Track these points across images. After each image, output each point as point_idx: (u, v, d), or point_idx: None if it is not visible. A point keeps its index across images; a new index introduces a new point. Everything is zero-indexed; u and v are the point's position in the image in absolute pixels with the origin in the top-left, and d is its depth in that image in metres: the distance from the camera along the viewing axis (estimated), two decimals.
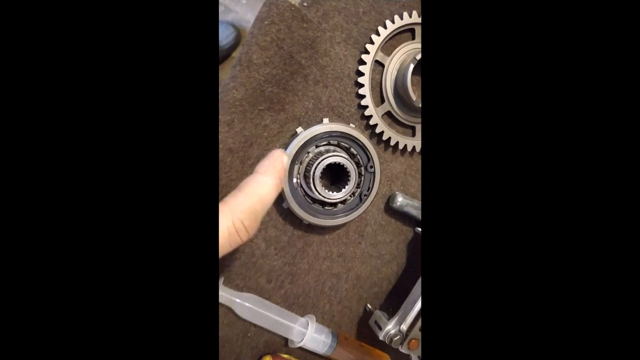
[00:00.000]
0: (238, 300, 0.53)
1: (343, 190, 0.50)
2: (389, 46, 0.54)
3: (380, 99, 0.55)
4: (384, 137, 0.54)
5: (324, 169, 0.49)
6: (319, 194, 0.49)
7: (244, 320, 0.54)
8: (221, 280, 0.53)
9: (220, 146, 0.49)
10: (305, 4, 0.50)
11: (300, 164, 0.50)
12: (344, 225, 0.57)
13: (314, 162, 0.49)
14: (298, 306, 0.58)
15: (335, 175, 0.55)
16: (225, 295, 0.53)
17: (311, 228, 0.55)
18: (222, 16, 1.74)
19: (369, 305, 0.61)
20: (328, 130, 0.50)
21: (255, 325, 0.54)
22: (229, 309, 0.53)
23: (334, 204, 0.53)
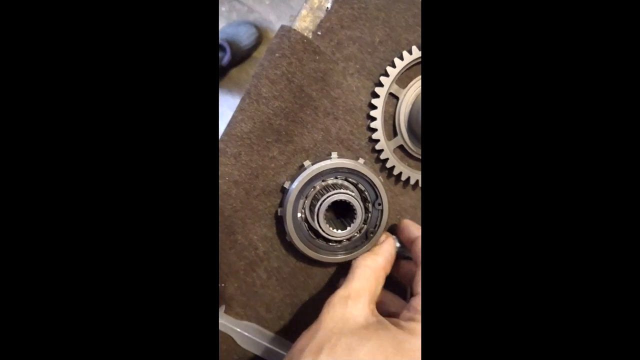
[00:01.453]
0: (238, 329, 0.53)
1: (348, 228, 0.49)
2: (404, 77, 0.52)
3: (392, 132, 0.53)
4: (395, 172, 0.53)
5: (329, 206, 0.47)
6: (323, 231, 0.48)
7: (244, 348, 0.54)
8: (222, 309, 0.53)
9: (226, 178, 0.48)
10: (319, 33, 0.48)
11: (306, 198, 0.49)
12: (349, 261, 0.56)
13: (320, 198, 0.47)
14: (299, 337, 0.57)
15: (341, 209, 0.53)
16: (226, 323, 0.52)
17: (315, 262, 0.54)
18: (245, 16, 1.74)
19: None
20: (336, 166, 0.49)
21: (255, 356, 0.54)
22: (229, 337, 0.53)
23: (339, 241, 0.52)
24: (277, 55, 0.45)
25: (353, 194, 0.48)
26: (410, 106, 0.52)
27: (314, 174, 0.48)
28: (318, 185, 0.49)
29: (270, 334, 0.55)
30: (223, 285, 0.53)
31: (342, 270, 0.57)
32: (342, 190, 0.48)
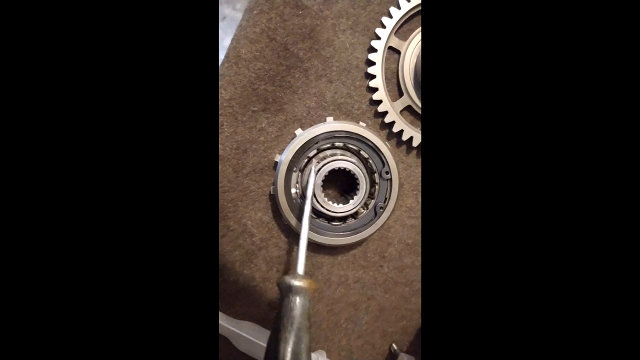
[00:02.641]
0: (236, 330, 0.46)
1: (351, 201, 0.42)
2: (405, 30, 0.45)
3: (397, 91, 0.46)
4: (404, 137, 0.45)
5: (326, 175, 0.41)
6: (322, 206, 0.41)
7: (243, 352, 0.47)
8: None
9: None
10: None
11: (300, 171, 0.43)
12: (359, 244, 0.48)
13: (315, 168, 0.41)
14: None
15: (345, 185, 0.46)
16: (223, 324, 0.46)
17: (319, 247, 0.47)
18: None
19: (394, 345, 0.50)
20: (331, 129, 0.42)
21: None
22: (226, 339, 0.46)
23: (343, 219, 0.44)
24: (255, 12, 0.41)
25: (354, 161, 0.42)
26: (415, 59, 0.45)
27: (305, 140, 0.42)
28: (312, 154, 0.43)
29: None
30: (219, 279, 0.47)
31: (354, 259, 0.49)
32: (339, 157, 0.41)
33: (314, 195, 0.41)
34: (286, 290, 0.31)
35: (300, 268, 0.34)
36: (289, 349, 0.28)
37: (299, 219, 0.43)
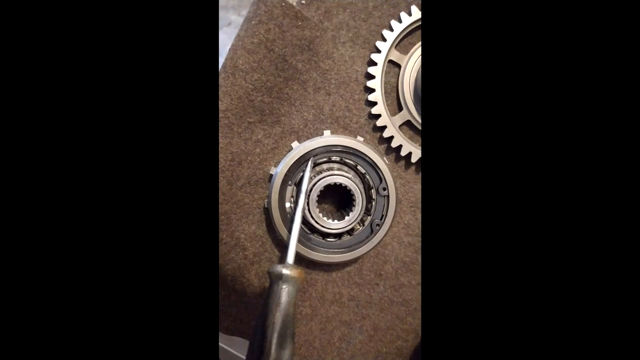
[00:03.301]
0: (227, 348, 0.45)
1: (347, 217, 0.41)
2: (406, 44, 0.45)
3: (397, 106, 0.45)
4: (403, 152, 0.44)
5: (321, 191, 0.40)
6: (316, 222, 0.40)
7: None
8: None
9: None
10: (303, 2, 0.43)
11: (295, 185, 0.42)
12: (354, 261, 0.46)
13: (310, 183, 0.40)
14: (300, 357, 0.48)
15: (342, 200, 0.45)
16: None
17: (313, 264, 0.46)
18: None
19: None
20: (327, 143, 0.41)
21: None
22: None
23: (338, 235, 0.43)
24: (253, 22, 0.41)
25: (350, 177, 0.40)
26: (415, 73, 0.44)
27: (301, 154, 0.41)
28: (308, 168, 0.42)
29: None
30: None
31: (349, 276, 0.47)
32: (336, 172, 0.40)
33: (308, 209, 0.40)
34: (276, 278, 0.33)
35: (291, 258, 0.35)
36: (276, 334, 0.29)
37: (291, 231, 0.42)
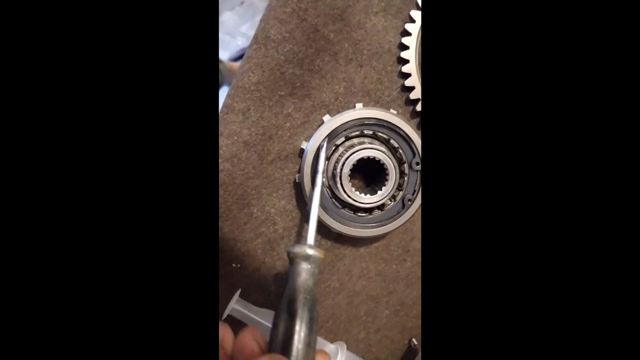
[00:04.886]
0: (255, 317, 0.46)
1: (379, 192, 0.40)
2: None
3: None
4: None
5: (354, 164, 0.39)
6: (348, 196, 0.40)
7: None
8: (237, 293, 0.46)
9: (235, 138, 0.42)
10: None
11: (327, 159, 0.42)
12: (383, 237, 0.46)
13: (342, 157, 0.40)
14: (327, 330, 0.49)
15: (372, 175, 0.45)
16: (241, 309, 0.46)
17: (342, 238, 0.46)
18: None
19: (414, 340, 0.49)
20: (361, 116, 0.41)
21: None
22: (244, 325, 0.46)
23: (369, 210, 0.43)
24: None
25: (383, 150, 0.40)
26: None
27: (333, 127, 0.40)
28: (341, 143, 0.42)
29: None
30: (239, 265, 0.46)
31: (377, 252, 0.47)
32: (368, 146, 0.39)
33: (340, 183, 0.40)
34: (300, 258, 0.31)
35: (311, 238, 0.34)
36: (306, 319, 0.28)
37: (325, 208, 0.42)
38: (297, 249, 0.31)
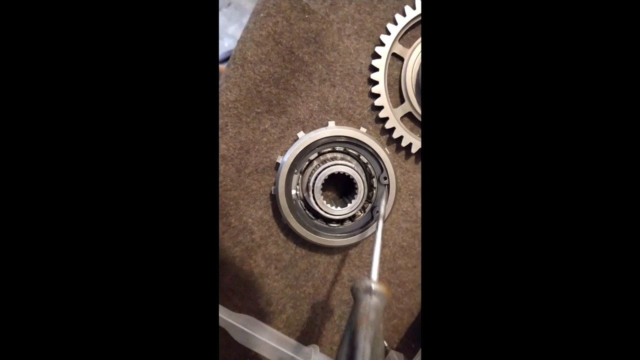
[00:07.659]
0: (235, 323, 0.48)
1: (349, 204, 0.43)
2: (409, 37, 0.46)
3: (399, 98, 0.47)
4: (404, 143, 0.46)
5: (325, 179, 0.42)
6: (320, 208, 0.43)
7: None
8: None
9: None
10: None
11: (301, 173, 0.44)
12: (354, 245, 0.49)
13: (315, 172, 0.42)
14: (302, 334, 0.51)
15: (345, 188, 0.47)
16: (222, 316, 0.48)
17: (317, 247, 0.48)
18: None
19: (385, 342, 0.52)
20: (332, 134, 0.43)
21: (257, 353, 0.49)
22: (225, 332, 0.48)
23: (340, 221, 0.46)
24: (261, 15, 0.42)
25: (353, 166, 0.43)
26: (418, 67, 0.46)
27: (307, 144, 0.43)
28: (313, 157, 0.44)
29: (271, 329, 0.49)
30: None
31: (349, 259, 0.50)
32: (339, 162, 0.42)
33: (313, 196, 0.42)
34: (364, 292, 0.31)
35: (374, 274, 0.35)
36: (368, 347, 0.27)
37: (298, 219, 0.45)
38: (360, 284, 0.31)
